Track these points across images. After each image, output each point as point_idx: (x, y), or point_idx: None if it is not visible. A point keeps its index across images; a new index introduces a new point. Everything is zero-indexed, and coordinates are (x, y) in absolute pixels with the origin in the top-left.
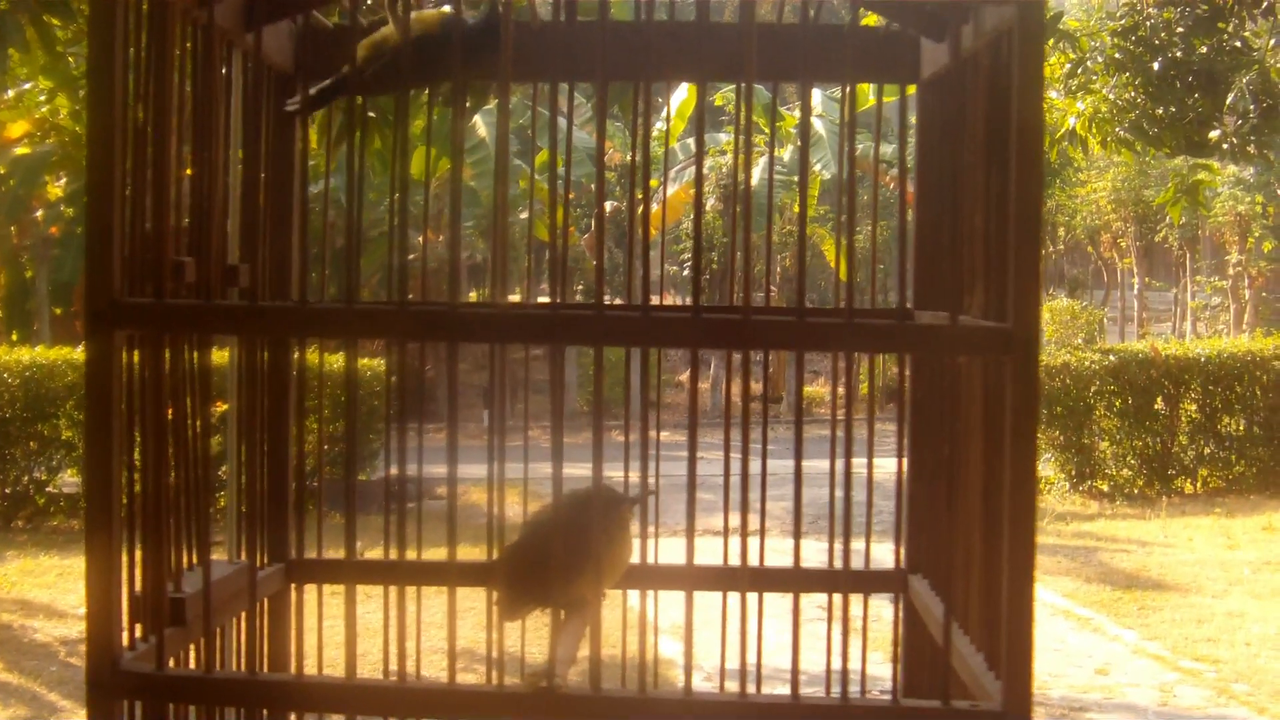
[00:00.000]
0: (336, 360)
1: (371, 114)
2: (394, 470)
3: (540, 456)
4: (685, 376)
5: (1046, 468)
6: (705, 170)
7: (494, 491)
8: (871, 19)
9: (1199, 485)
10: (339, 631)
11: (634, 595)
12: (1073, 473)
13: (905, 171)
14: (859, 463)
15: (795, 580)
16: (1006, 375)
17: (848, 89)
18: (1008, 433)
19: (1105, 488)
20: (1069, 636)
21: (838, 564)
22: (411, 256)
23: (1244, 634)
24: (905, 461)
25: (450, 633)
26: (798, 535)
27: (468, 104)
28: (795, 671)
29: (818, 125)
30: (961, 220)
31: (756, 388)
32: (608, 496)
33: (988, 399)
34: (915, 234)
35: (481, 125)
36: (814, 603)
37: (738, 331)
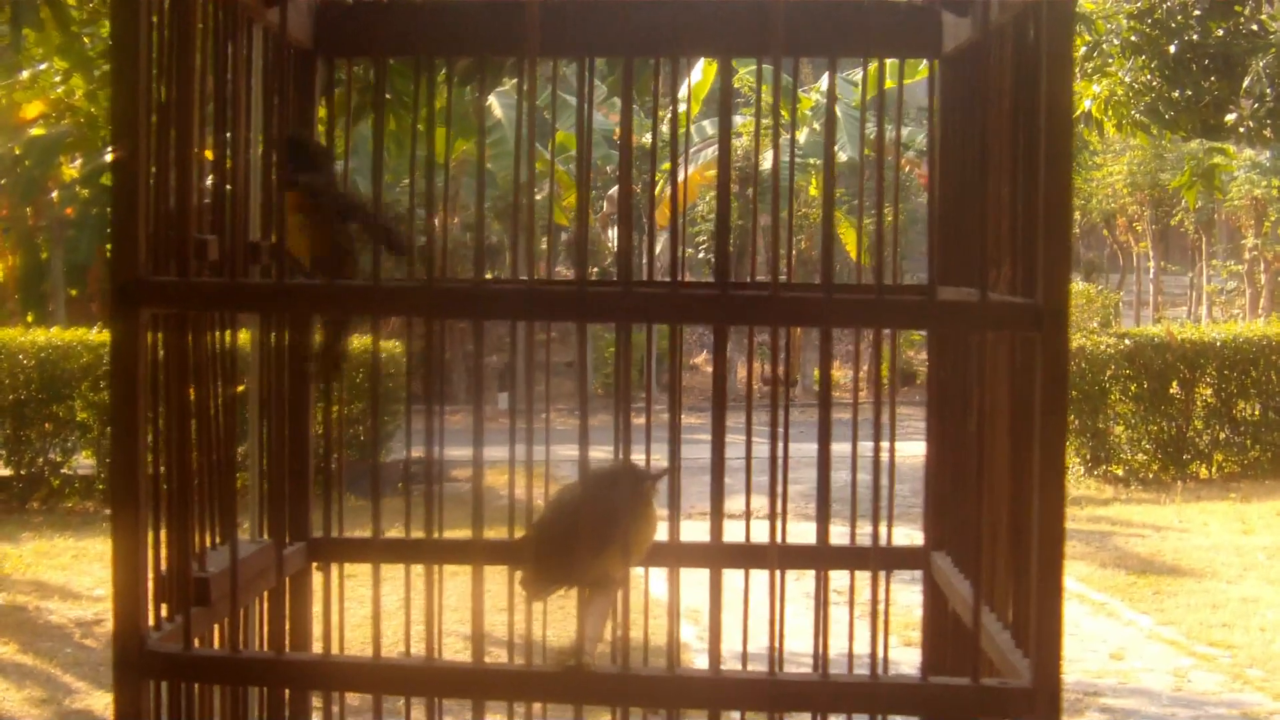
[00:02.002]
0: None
1: (388, 95)
2: (415, 452)
3: (558, 439)
4: (701, 359)
5: None
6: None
7: (514, 473)
8: None
9: (1214, 470)
10: (354, 612)
11: (654, 578)
12: (1088, 457)
13: (934, 148)
14: (881, 445)
15: (820, 558)
16: (1036, 351)
17: (868, 66)
18: (1037, 409)
19: (1120, 472)
20: (1084, 621)
21: (860, 544)
22: (426, 239)
23: (1259, 619)
24: (929, 440)
25: (475, 611)
26: (823, 514)
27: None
28: (822, 650)
29: (836, 107)
30: (987, 195)
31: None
32: (633, 473)
33: (1014, 376)
34: (938, 211)
35: (498, 106)
36: (832, 587)
37: (766, 307)
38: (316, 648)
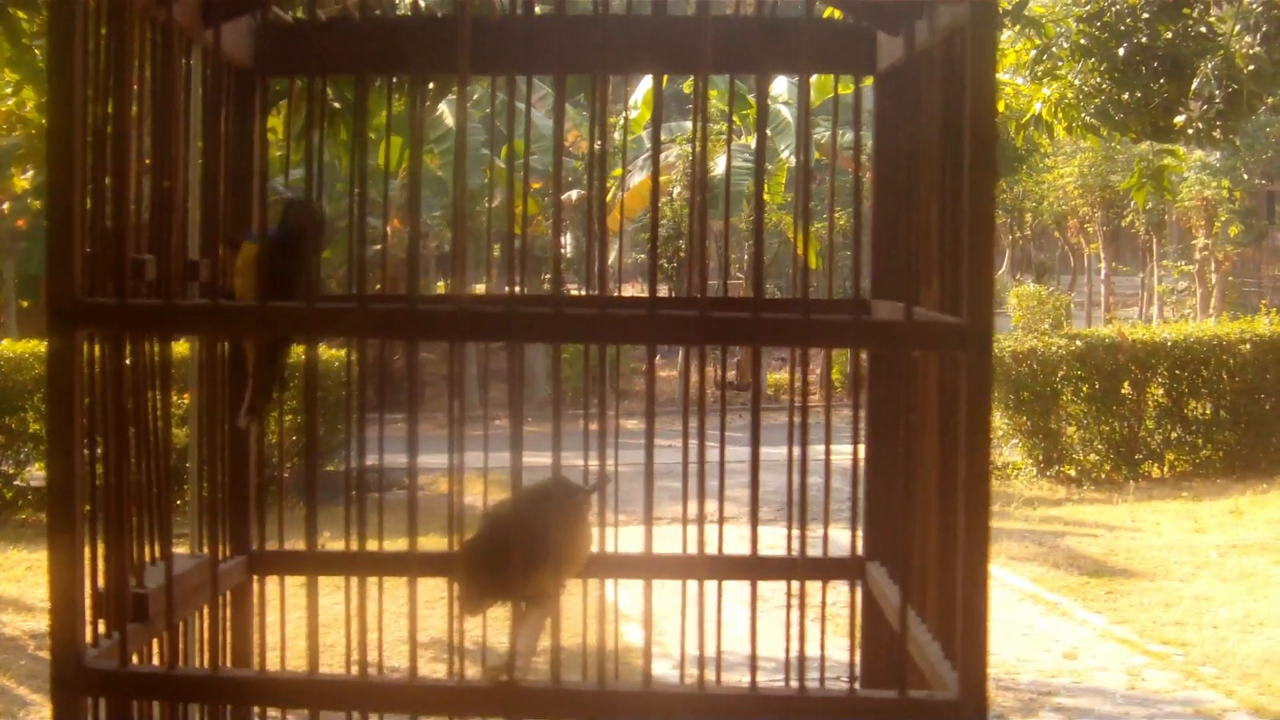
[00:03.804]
0: (299, 352)
1: (336, 104)
2: (357, 462)
3: (506, 446)
4: (655, 363)
5: (1013, 453)
6: (672, 159)
7: (454, 482)
8: (829, 10)
9: (1166, 469)
10: (303, 623)
11: (598, 585)
12: (1040, 458)
13: (859, 162)
14: (819, 450)
15: (753, 568)
16: (961, 369)
17: (806, 78)
18: (963, 425)
19: (1072, 472)
20: (1037, 621)
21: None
22: (377, 247)
23: (1211, 617)
24: (864, 450)
25: (411, 624)
26: (754, 523)
27: (430, 87)
28: (754, 661)
29: (785, 112)
30: (916, 213)
31: (729, 375)
32: (565, 488)
33: (943, 392)
34: (873, 224)
35: (449, 115)
36: (779, 590)
37: (693, 328)
38: (266, 660)
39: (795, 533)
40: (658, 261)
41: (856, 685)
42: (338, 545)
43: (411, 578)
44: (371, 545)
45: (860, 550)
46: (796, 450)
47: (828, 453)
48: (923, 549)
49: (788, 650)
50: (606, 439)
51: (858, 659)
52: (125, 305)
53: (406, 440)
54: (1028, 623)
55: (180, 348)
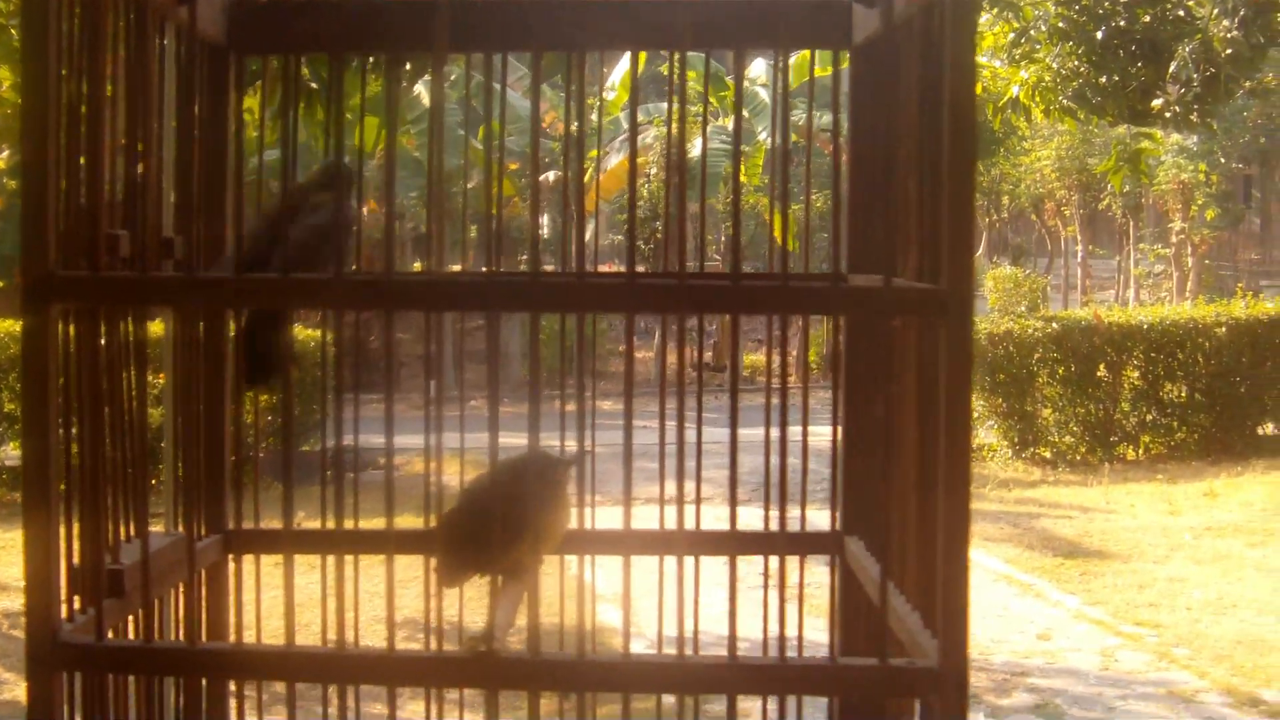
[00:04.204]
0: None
1: (314, 85)
2: (334, 441)
3: (483, 426)
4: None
5: (989, 435)
6: (650, 140)
7: (430, 461)
8: None
9: (1141, 452)
10: (279, 602)
11: (575, 562)
12: (1015, 440)
13: (838, 141)
14: (797, 429)
15: (731, 543)
16: (940, 337)
17: (779, 57)
18: (942, 394)
19: (1048, 454)
20: (1011, 602)
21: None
22: (353, 229)
23: (1185, 599)
24: (841, 425)
25: (388, 600)
26: (733, 499)
27: (407, 67)
28: (732, 632)
29: (762, 94)
30: (895, 185)
31: (706, 355)
32: (543, 461)
33: (922, 362)
34: (850, 199)
35: (426, 96)
36: (756, 569)
37: (672, 295)
38: (242, 638)
39: (775, 513)
40: (635, 242)
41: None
42: (313, 525)
43: (389, 554)
44: (348, 525)
45: (838, 526)
46: (775, 431)
47: (805, 429)
48: (902, 521)
49: (765, 627)
50: (584, 417)
51: (836, 633)
52: (100, 278)
53: (384, 417)
54: (1002, 604)
55: (156, 328)
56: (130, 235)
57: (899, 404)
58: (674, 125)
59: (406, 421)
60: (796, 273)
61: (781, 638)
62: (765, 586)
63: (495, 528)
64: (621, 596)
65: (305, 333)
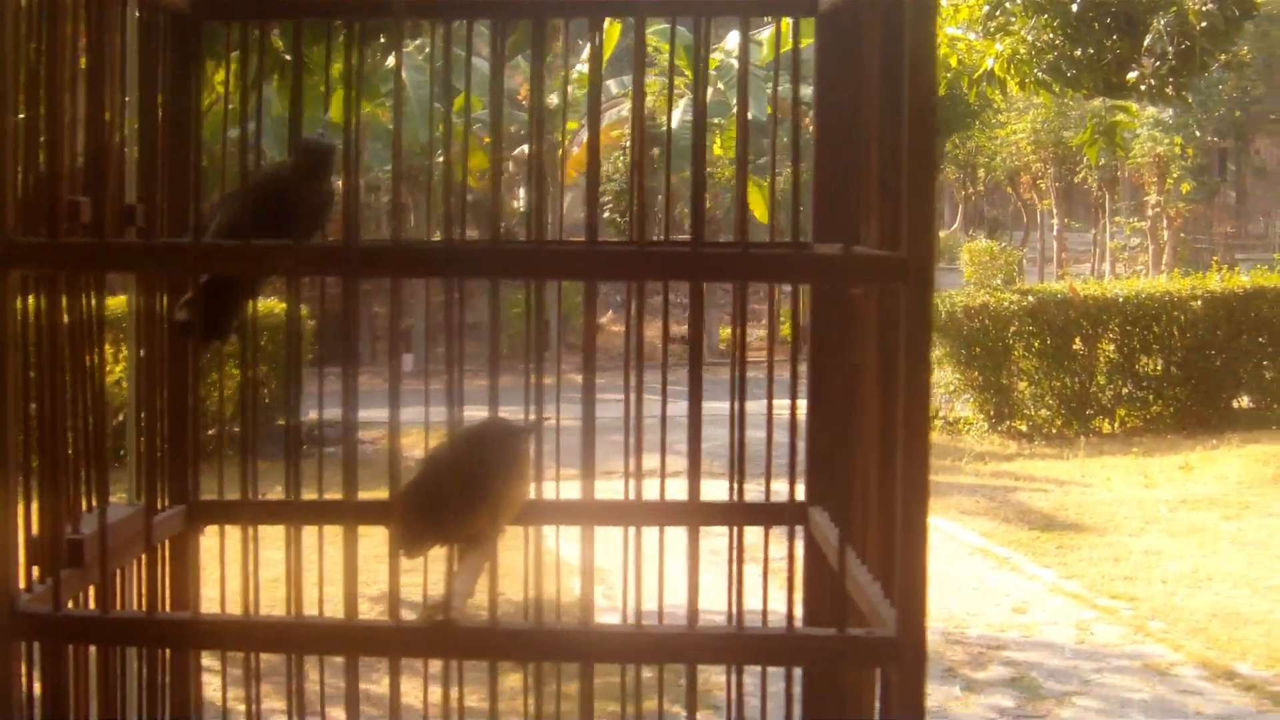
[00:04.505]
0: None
1: (288, 56)
2: (315, 415)
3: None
4: (606, 319)
5: (965, 408)
6: (625, 113)
7: (397, 435)
8: None
9: (1117, 425)
10: (254, 574)
11: (548, 536)
12: (991, 413)
13: (797, 106)
14: (764, 406)
15: (694, 513)
16: (901, 304)
17: (744, 25)
18: (902, 360)
19: (1024, 428)
20: (987, 575)
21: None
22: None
23: (1160, 572)
24: (806, 397)
25: (348, 569)
26: (695, 468)
27: (381, 40)
28: (693, 603)
29: (736, 66)
30: (859, 153)
31: (678, 329)
32: (503, 430)
33: (883, 330)
34: (815, 169)
35: (402, 69)
36: (721, 546)
37: (632, 262)
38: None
39: (752, 483)
40: (597, 209)
41: (797, 624)
42: (276, 495)
43: (349, 525)
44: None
45: (803, 496)
46: (761, 403)
47: (770, 400)
48: (864, 490)
49: (729, 599)
50: (544, 387)
51: (799, 603)
52: (59, 244)
53: (342, 388)
54: (978, 577)
55: (117, 302)
56: (91, 202)
57: (860, 373)
58: (637, 96)
59: (378, 395)
60: (760, 242)
61: (740, 608)
62: (731, 560)
63: (453, 497)
64: (582, 563)
65: (270, 304)
